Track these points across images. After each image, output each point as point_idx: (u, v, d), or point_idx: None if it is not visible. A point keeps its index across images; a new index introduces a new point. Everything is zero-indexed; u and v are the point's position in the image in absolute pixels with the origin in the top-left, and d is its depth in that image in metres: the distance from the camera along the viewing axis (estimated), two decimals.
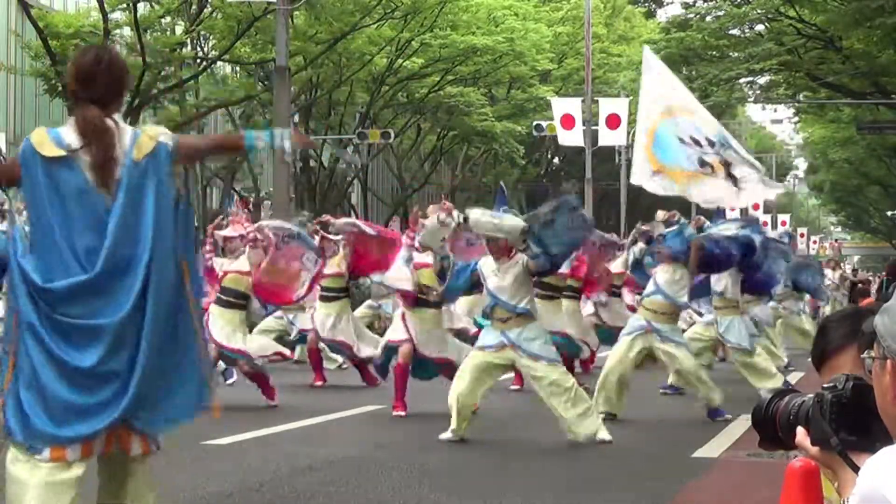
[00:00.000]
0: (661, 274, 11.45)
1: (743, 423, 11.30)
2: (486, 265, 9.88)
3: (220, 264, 12.13)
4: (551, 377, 9.61)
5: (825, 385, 2.17)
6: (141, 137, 4.45)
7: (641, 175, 11.12)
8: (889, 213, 65.38)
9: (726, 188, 10.91)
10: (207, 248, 12.31)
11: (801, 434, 2.17)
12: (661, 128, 10.79)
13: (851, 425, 2.10)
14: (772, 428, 2.23)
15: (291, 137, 4.79)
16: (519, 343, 9.66)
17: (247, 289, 11.91)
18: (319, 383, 14.17)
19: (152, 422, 4.61)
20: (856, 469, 2.06)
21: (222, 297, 11.92)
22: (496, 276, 9.78)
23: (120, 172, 4.39)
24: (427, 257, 10.96)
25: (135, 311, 4.35)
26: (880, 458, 1.89)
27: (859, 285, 32.34)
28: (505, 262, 9.78)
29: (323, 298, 13.79)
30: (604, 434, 9.63)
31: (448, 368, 11.07)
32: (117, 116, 4.52)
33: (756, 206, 60.01)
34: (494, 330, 9.88)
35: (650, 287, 11.49)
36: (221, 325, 11.75)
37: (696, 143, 10.79)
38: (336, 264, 13.50)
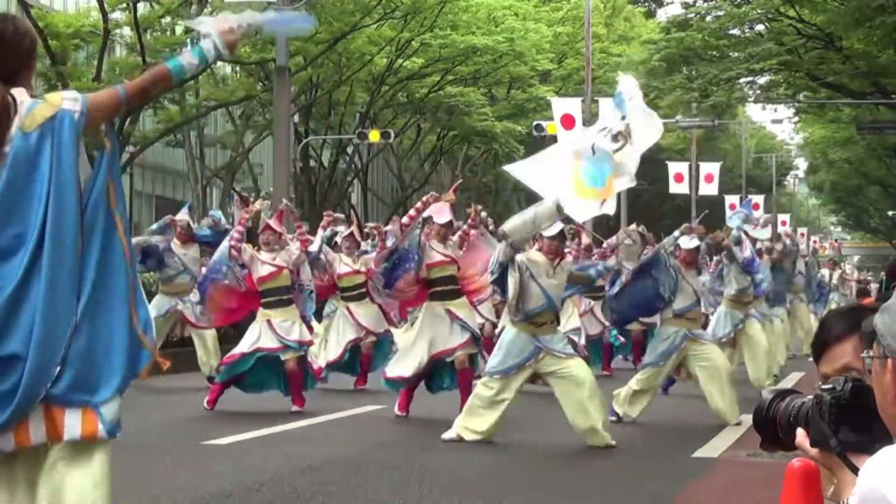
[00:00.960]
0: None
1: (743, 423, 11.30)
2: (537, 264, 9.64)
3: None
4: (582, 371, 9.78)
5: (824, 387, 2.16)
6: (37, 107, 4.13)
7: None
8: (890, 213, 65.40)
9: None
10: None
11: (800, 435, 2.16)
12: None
13: (851, 426, 2.10)
14: (773, 429, 2.23)
15: (223, 40, 4.39)
16: (552, 346, 9.67)
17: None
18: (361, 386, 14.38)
19: (78, 392, 4.15)
20: (855, 470, 2.05)
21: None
22: (549, 277, 9.64)
23: (7, 147, 4.08)
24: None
25: (21, 291, 4.02)
26: (880, 458, 1.89)
27: (858, 284, 32.39)
28: (557, 263, 9.74)
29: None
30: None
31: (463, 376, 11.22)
32: (22, 90, 4.19)
33: (756, 206, 60.09)
34: (522, 337, 9.63)
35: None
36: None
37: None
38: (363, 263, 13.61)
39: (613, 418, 10.78)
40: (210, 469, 8.28)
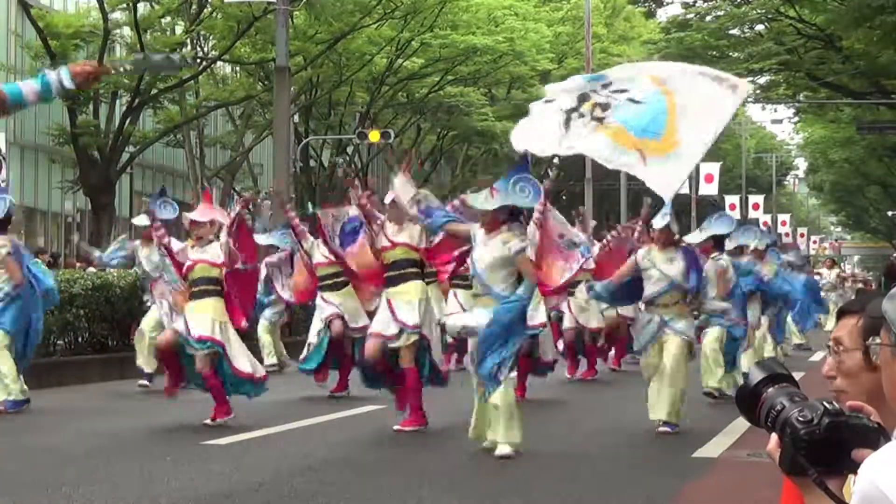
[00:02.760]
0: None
1: (743, 423, 11.29)
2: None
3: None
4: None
5: (799, 416, 2.09)
6: None
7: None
8: (889, 213, 65.40)
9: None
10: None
11: (773, 443, 2.12)
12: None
13: (822, 460, 2.05)
14: (753, 410, 2.18)
15: (70, 72, 4.43)
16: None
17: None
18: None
19: None
20: (835, 498, 2.02)
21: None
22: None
23: None
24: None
25: None
26: (881, 456, 1.88)
27: (860, 285, 32.39)
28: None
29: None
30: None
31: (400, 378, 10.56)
32: None
33: (756, 206, 60.09)
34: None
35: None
36: None
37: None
38: None
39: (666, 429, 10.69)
40: (210, 469, 8.28)
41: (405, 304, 10.33)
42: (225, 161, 37.84)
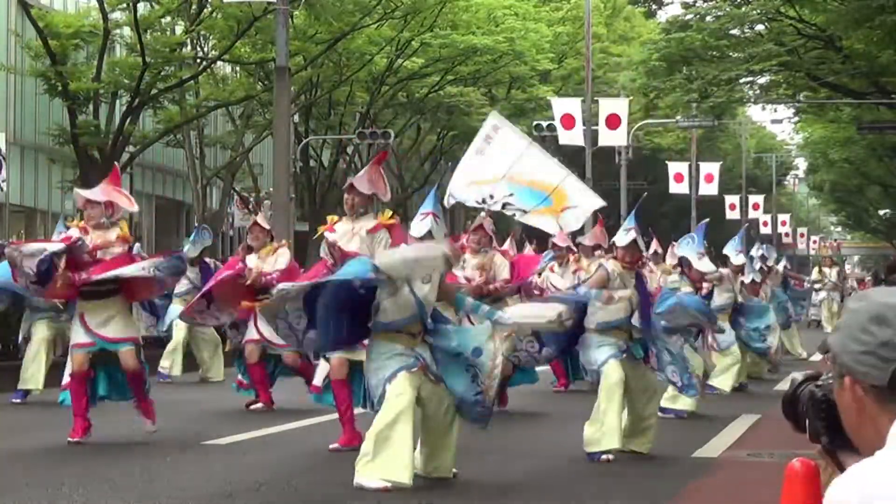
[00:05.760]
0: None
1: (743, 422, 11.30)
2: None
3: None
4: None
5: (818, 384, 2.15)
6: None
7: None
8: (882, 213, 65.40)
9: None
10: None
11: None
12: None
13: (839, 426, 2.09)
14: (796, 414, 2.22)
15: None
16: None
17: None
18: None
19: None
20: (840, 468, 2.05)
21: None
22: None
23: None
24: None
25: None
26: (848, 476, 1.89)
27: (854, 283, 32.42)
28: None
29: None
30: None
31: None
32: None
33: (756, 206, 60.06)
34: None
35: None
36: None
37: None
38: None
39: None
40: (210, 469, 8.28)
41: None
42: (225, 161, 37.82)
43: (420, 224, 10.47)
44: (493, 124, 10.15)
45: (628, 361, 9.12)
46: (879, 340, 1.97)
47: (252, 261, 11.68)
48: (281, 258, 11.72)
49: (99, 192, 9.70)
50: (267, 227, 12.21)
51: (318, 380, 10.00)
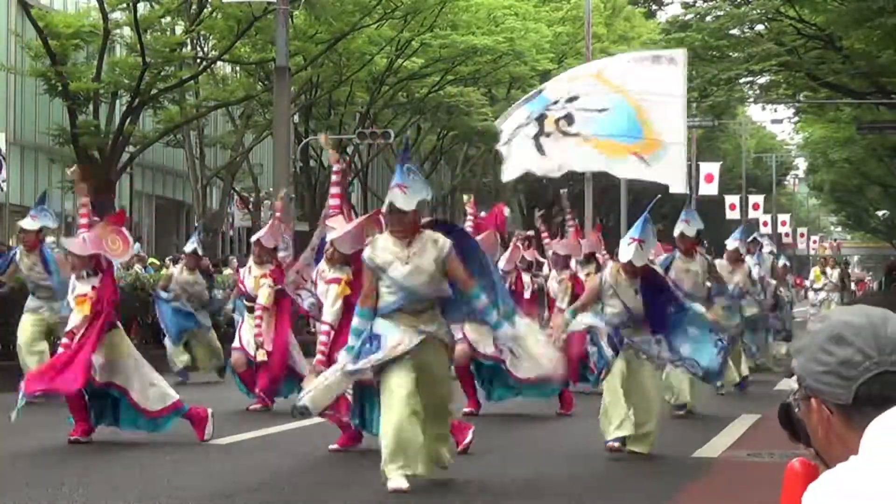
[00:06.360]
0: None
1: (743, 423, 11.30)
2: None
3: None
4: None
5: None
6: None
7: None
8: (880, 213, 65.41)
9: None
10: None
11: None
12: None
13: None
14: (790, 423, 2.22)
15: None
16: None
17: None
18: None
19: None
20: (789, 431, 2.09)
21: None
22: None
23: None
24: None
25: None
26: (819, 485, 1.90)
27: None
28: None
29: None
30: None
31: None
32: None
33: (756, 206, 60.08)
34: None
35: None
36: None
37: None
38: None
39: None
40: (210, 469, 8.28)
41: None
42: (225, 161, 37.83)
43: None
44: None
45: (631, 364, 9.19)
46: (839, 359, 1.99)
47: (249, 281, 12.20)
48: (261, 291, 11.82)
49: (87, 243, 9.21)
50: (268, 245, 12.11)
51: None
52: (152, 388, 9.48)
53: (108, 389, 9.40)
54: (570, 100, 8.60)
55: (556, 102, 8.61)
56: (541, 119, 8.60)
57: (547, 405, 12.63)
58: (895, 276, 37.13)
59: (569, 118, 8.51)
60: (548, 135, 8.55)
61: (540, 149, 8.58)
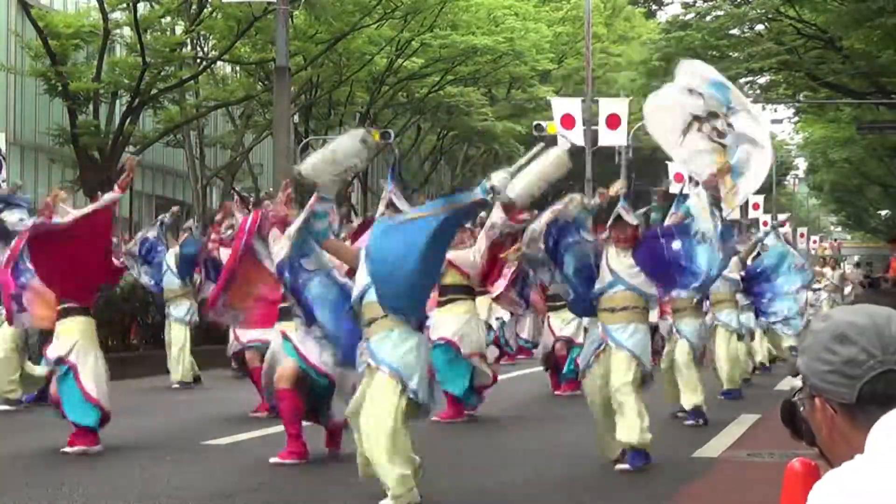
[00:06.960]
0: None
1: (743, 423, 11.30)
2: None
3: None
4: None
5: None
6: None
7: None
8: (882, 213, 65.39)
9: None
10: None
11: None
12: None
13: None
14: (793, 421, 2.23)
15: None
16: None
17: None
18: None
19: None
20: (792, 426, 2.10)
21: None
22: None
23: None
24: None
25: None
26: (824, 484, 1.90)
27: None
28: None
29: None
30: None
31: None
32: None
33: (756, 206, 60.07)
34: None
35: None
36: None
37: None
38: None
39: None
40: (210, 469, 8.28)
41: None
42: (225, 161, 37.83)
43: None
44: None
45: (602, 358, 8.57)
46: (843, 359, 2.01)
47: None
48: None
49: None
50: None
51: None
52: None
53: None
54: (734, 114, 8.60)
55: (729, 110, 8.60)
56: (712, 114, 8.62)
57: (546, 407, 12.65)
58: (873, 279, 37.03)
59: (721, 134, 8.60)
60: (700, 129, 8.63)
61: (685, 130, 8.63)
